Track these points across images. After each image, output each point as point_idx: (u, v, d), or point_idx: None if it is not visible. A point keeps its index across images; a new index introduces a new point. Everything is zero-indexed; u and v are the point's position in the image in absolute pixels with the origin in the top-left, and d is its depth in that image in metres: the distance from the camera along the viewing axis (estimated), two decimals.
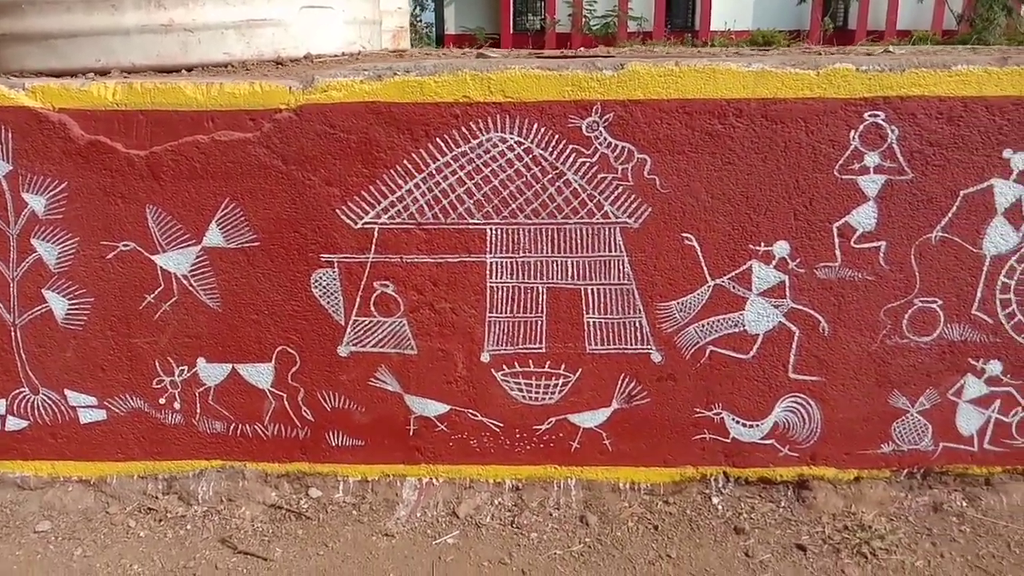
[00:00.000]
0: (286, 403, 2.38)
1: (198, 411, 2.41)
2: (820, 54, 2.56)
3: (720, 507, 2.37)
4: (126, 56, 2.63)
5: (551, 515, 2.37)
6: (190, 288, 2.31)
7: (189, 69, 2.59)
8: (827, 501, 2.35)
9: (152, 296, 2.32)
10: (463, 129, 2.14)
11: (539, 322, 2.28)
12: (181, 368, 2.38)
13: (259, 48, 3.34)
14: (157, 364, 2.38)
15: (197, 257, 2.28)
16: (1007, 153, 2.09)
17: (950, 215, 2.14)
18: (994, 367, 2.26)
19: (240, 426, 2.42)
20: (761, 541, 2.26)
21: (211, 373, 2.38)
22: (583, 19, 17.91)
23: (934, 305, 2.22)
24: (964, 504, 2.35)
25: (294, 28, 3.44)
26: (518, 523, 2.34)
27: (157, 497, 2.48)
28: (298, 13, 3.46)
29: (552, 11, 17.50)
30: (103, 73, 2.49)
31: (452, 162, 2.16)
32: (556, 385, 2.34)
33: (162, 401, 2.41)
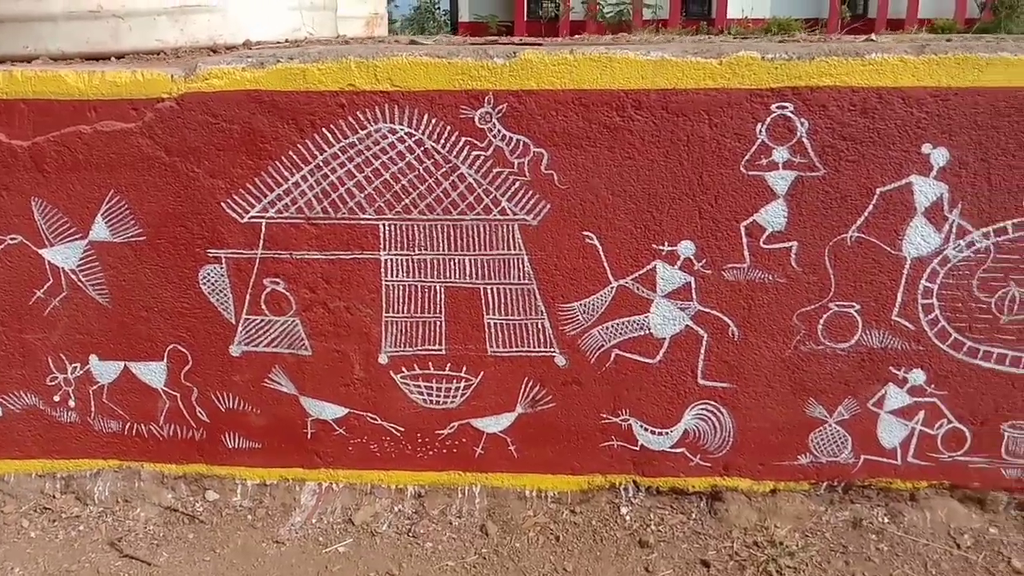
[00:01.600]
0: (180, 403, 2.31)
1: (93, 409, 2.34)
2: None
3: (628, 518, 2.27)
4: (53, 43, 2.55)
5: (451, 524, 2.28)
6: (79, 283, 2.23)
7: (120, 57, 2.50)
8: (740, 514, 2.23)
9: (42, 291, 2.25)
10: (350, 119, 2.03)
11: (438, 323, 2.18)
12: (74, 365, 2.31)
13: (193, 35, 3.24)
14: (50, 361, 2.31)
15: (84, 252, 2.20)
16: (926, 148, 1.96)
17: (866, 214, 2.01)
18: (917, 376, 2.12)
19: (136, 426, 2.35)
20: (665, 556, 2.15)
21: (104, 371, 2.30)
22: (597, 6, 17.70)
23: (851, 310, 2.09)
24: (886, 520, 2.22)
25: (232, 14, 3.34)
26: (415, 531, 2.25)
27: (54, 496, 2.41)
28: None
29: None
30: (30, 60, 2.42)
31: (340, 154, 2.06)
32: (458, 388, 2.24)
33: (57, 399, 2.34)
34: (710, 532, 2.21)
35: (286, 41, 3.61)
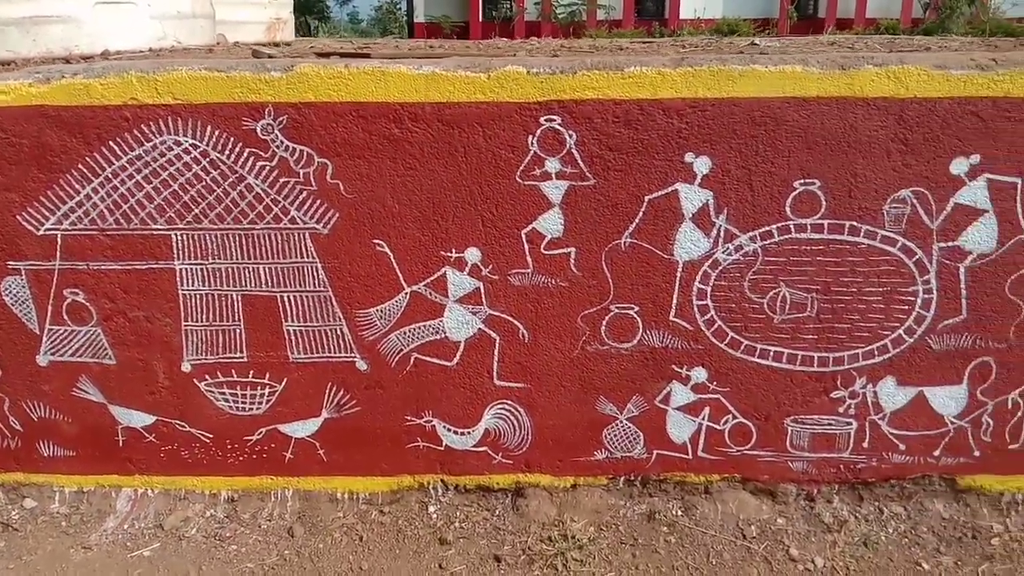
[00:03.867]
0: None
1: None
2: (592, 51, 2.50)
3: (435, 516, 2.33)
4: None
5: (260, 527, 2.32)
6: None
7: None
8: (539, 509, 2.31)
9: None
10: (135, 132, 2.07)
11: (237, 330, 2.23)
12: None
13: (47, 46, 3.25)
14: None
15: None
16: (689, 157, 2.04)
17: (637, 221, 2.10)
18: (699, 374, 2.22)
19: None
20: (462, 552, 2.22)
21: None
22: (551, 7, 17.78)
23: (631, 311, 2.17)
24: (679, 513, 2.32)
25: (89, 25, 3.35)
26: (222, 535, 2.29)
27: None
28: (93, 9, 3.37)
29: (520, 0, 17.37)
30: None
31: (128, 166, 2.09)
32: (262, 395, 2.28)
33: None
34: (510, 528, 2.29)
35: (149, 50, 3.62)
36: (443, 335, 2.21)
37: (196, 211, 2.12)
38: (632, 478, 2.34)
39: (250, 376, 2.26)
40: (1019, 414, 2.22)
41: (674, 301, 2.16)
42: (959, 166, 2.02)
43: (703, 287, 2.15)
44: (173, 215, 2.13)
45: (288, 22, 6.00)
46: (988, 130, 2.00)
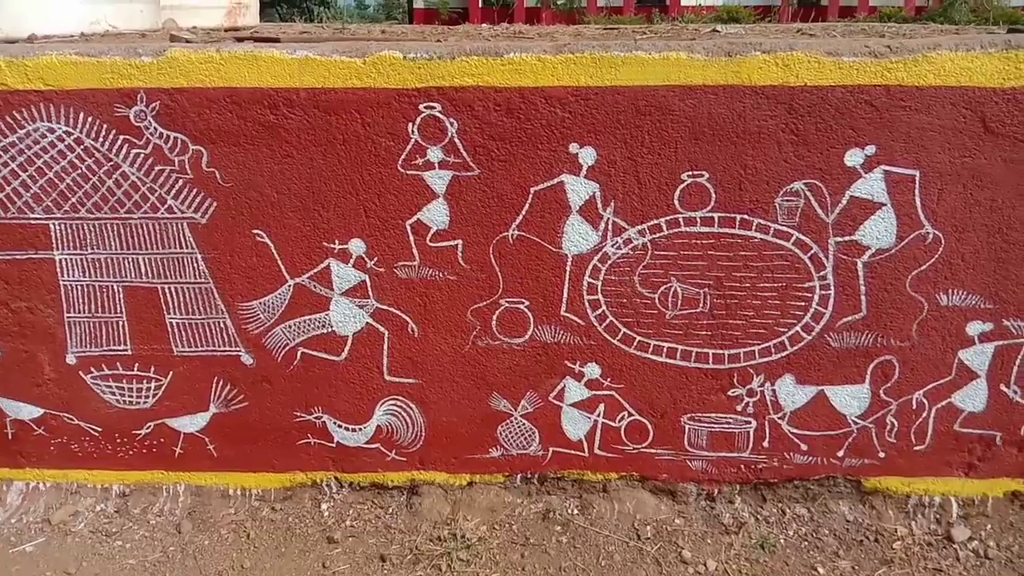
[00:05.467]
0: None
1: None
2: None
3: (327, 514, 2.28)
4: None
5: (149, 522, 2.28)
6: None
7: None
8: (433, 507, 2.26)
9: None
10: (7, 119, 2.01)
11: (120, 322, 2.17)
12: None
13: None
14: None
15: None
16: (574, 148, 1.98)
17: (523, 213, 2.03)
18: (593, 370, 2.16)
19: None
20: (348, 551, 2.17)
21: None
22: None
23: (521, 306, 2.11)
24: (575, 512, 2.26)
25: (13, 7, 3.29)
26: (109, 530, 2.25)
27: None
28: None
29: None
30: None
31: (2, 153, 2.04)
32: (148, 389, 2.23)
33: None
34: (401, 526, 2.24)
35: (81, 35, 3.55)
36: (330, 329, 2.16)
37: (73, 200, 2.07)
38: (529, 476, 2.28)
39: (135, 369, 2.21)
40: (924, 414, 2.15)
41: (564, 295, 2.10)
42: (854, 157, 1.95)
43: (593, 281, 2.08)
44: (50, 204, 2.08)
45: (251, 6, 5.91)
46: (883, 120, 1.92)
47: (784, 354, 2.11)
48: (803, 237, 2.01)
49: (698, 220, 2.01)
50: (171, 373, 2.21)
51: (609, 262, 2.06)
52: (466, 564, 2.10)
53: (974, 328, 2.08)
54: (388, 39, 2.20)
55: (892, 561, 2.11)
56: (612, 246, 2.05)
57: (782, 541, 2.17)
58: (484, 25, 5.88)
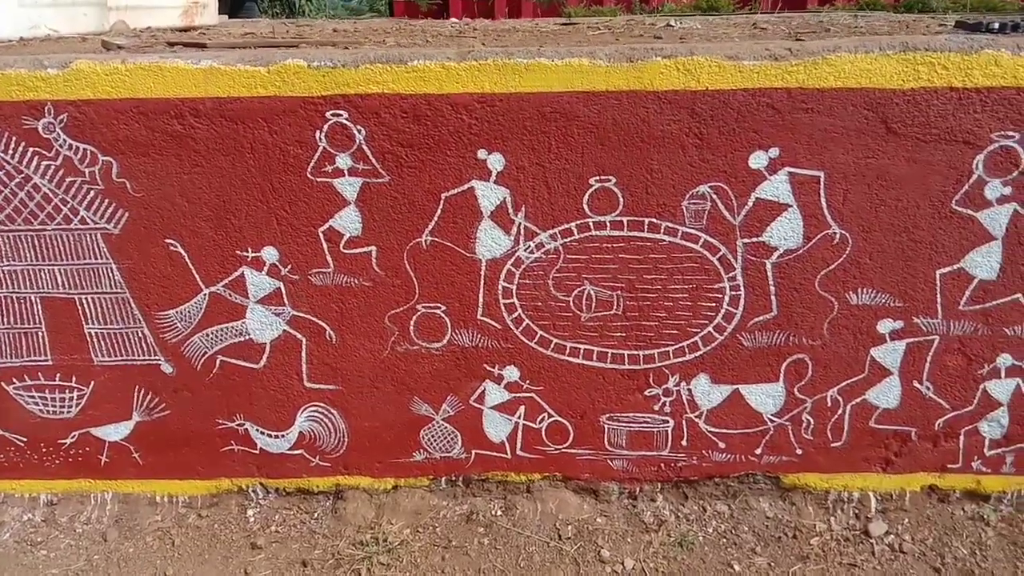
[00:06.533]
0: None
1: None
2: (470, 36, 2.42)
3: (252, 520, 2.30)
4: None
5: (76, 531, 2.29)
6: None
7: None
8: (357, 512, 2.28)
9: None
10: None
11: (39, 333, 2.18)
12: None
13: None
14: None
15: None
16: (482, 154, 1.99)
17: (436, 219, 2.04)
18: (512, 373, 2.17)
19: None
20: (271, 557, 2.18)
21: None
22: None
23: (438, 311, 2.12)
24: (499, 513, 2.28)
25: None
26: (34, 540, 2.25)
27: None
28: None
29: None
30: None
31: None
32: (71, 398, 2.24)
33: None
34: (326, 531, 2.25)
35: (20, 40, 3.53)
36: (247, 337, 2.16)
37: None
38: (454, 478, 2.30)
39: (57, 379, 2.21)
40: (840, 412, 2.18)
41: (480, 300, 2.11)
42: (758, 160, 1.97)
43: (508, 286, 2.10)
44: None
45: (209, 5, 5.87)
46: (785, 123, 1.94)
47: (698, 354, 2.13)
48: (711, 239, 2.03)
49: (608, 224, 2.03)
50: (92, 383, 2.22)
51: (523, 266, 2.08)
52: (386, 568, 2.12)
53: (885, 326, 2.10)
54: (312, 44, 2.20)
55: (808, 557, 2.14)
56: (525, 250, 2.06)
57: (701, 538, 2.20)
58: (451, 20, 5.87)
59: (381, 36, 3.17)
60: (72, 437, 2.27)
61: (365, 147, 1.99)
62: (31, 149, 2.01)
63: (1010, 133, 1.94)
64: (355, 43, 2.63)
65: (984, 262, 2.04)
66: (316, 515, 2.30)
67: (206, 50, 2.28)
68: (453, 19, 6.65)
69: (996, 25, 2.13)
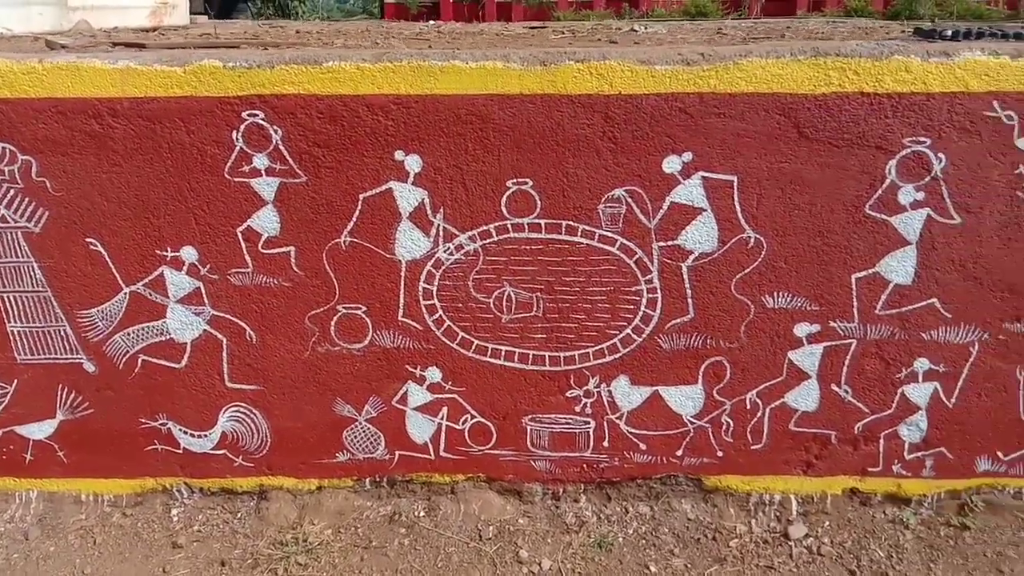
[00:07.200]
0: None
1: None
2: (377, 44, 2.45)
3: (176, 519, 2.30)
4: None
5: None
6: None
7: None
8: (280, 512, 2.28)
9: None
10: None
11: None
12: None
13: None
14: None
15: None
16: (399, 155, 2.00)
17: (355, 219, 2.05)
18: (434, 374, 2.18)
19: None
20: (191, 556, 2.18)
21: None
22: None
23: (359, 312, 2.13)
24: (422, 514, 2.29)
25: None
26: None
27: None
28: None
29: None
30: None
31: None
32: None
33: None
34: (248, 531, 2.25)
35: None
36: (168, 336, 2.17)
37: None
38: (378, 479, 2.31)
39: None
40: (759, 414, 2.20)
41: (401, 301, 2.12)
42: (672, 164, 1.99)
43: (428, 287, 2.11)
44: None
45: (179, 5, 5.86)
46: (698, 127, 1.96)
47: (617, 356, 2.15)
48: (627, 242, 2.05)
49: (526, 226, 2.04)
50: (16, 381, 2.22)
51: (443, 268, 2.09)
52: (304, 568, 2.12)
53: (801, 329, 2.12)
54: (254, 44, 2.21)
55: (726, 559, 2.16)
56: (445, 252, 2.07)
57: (620, 540, 2.21)
58: (423, 23, 5.88)
59: (331, 38, 3.19)
60: None
61: (282, 147, 2.00)
62: None
63: (922, 139, 1.96)
64: (300, 44, 2.64)
65: (899, 267, 2.07)
66: (240, 515, 2.30)
67: (143, 50, 2.29)
68: (431, 21, 6.67)
69: (949, 32, 2.17)
